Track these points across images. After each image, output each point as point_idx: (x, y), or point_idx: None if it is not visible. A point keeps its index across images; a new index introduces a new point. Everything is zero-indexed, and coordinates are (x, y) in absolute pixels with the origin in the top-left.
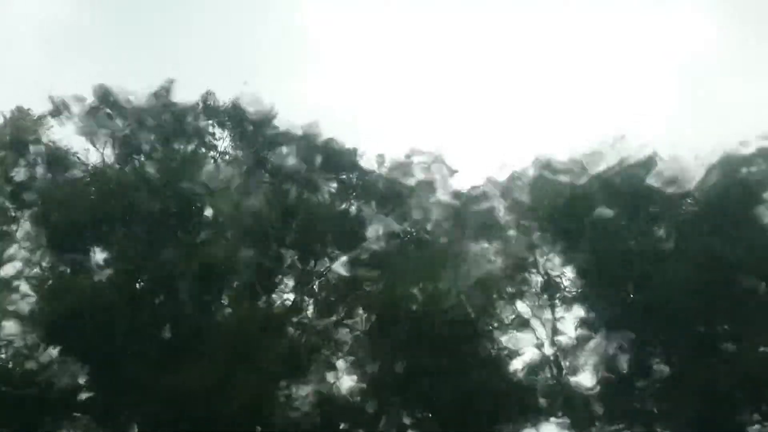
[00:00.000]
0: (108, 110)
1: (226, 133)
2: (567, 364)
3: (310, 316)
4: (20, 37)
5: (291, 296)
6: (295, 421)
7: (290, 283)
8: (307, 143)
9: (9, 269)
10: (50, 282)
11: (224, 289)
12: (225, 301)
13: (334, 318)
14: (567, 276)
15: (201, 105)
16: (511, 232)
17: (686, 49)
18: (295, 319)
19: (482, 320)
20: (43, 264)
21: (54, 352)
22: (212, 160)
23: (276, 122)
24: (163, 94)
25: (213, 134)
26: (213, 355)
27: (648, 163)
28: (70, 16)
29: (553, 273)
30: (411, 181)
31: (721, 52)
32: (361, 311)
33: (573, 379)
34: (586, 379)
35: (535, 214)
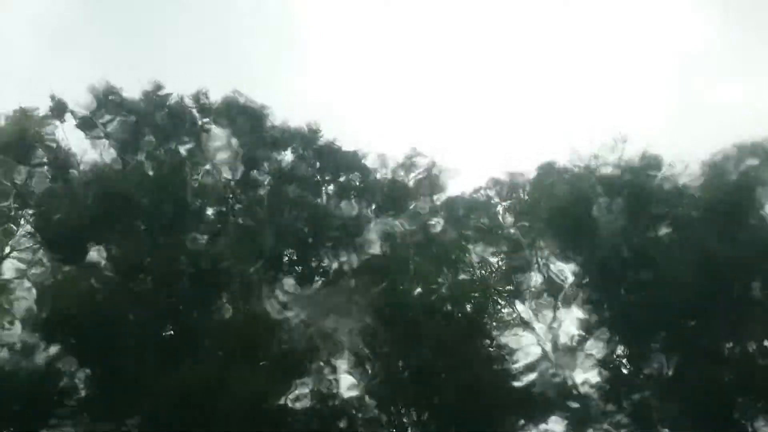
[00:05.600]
0: (106, 110)
1: (221, 131)
2: (567, 363)
3: (310, 315)
4: (13, 31)
5: (291, 296)
6: (294, 421)
7: (290, 283)
8: (308, 143)
9: (9, 269)
10: (50, 282)
11: (224, 288)
12: (225, 300)
13: (333, 318)
14: (567, 276)
15: (196, 103)
16: (512, 232)
17: (686, 49)
18: (294, 319)
19: (482, 320)
20: (43, 264)
21: (54, 351)
22: (210, 159)
23: (274, 121)
24: (158, 92)
25: (209, 132)
26: (213, 355)
27: (648, 164)
28: (62, 11)
29: (553, 273)
30: (412, 182)
31: (721, 53)
32: (361, 311)
33: (573, 379)
34: (586, 378)
35: (535, 214)
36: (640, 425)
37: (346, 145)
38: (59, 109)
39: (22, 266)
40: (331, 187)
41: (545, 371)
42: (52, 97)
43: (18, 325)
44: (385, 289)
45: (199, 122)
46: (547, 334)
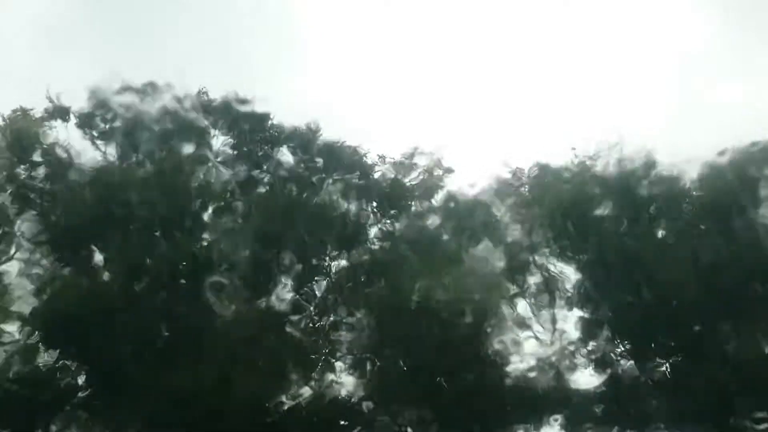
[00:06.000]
0: (106, 110)
1: (221, 131)
2: (567, 363)
3: (310, 316)
4: (13, 31)
5: (291, 296)
6: (294, 421)
7: (290, 283)
8: (307, 142)
9: (9, 269)
10: (50, 282)
11: (223, 289)
12: (224, 301)
13: (333, 318)
14: (567, 276)
15: (196, 103)
16: (511, 232)
17: (686, 49)
18: (295, 319)
19: (482, 320)
20: (43, 264)
21: (54, 352)
22: (210, 160)
23: (274, 121)
24: (158, 92)
25: (209, 133)
26: (212, 355)
27: (647, 164)
28: (62, 11)
29: (553, 273)
30: (411, 181)
31: (721, 53)
32: (361, 311)
33: (573, 379)
34: (585, 378)
35: (535, 214)
36: (640, 425)
37: (347, 145)
38: (59, 109)
39: (22, 266)
40: (331, 187)
41: (545, 372)
42: (51, 97)
43: (18, 326)
44: (385, 289)
45: (199, 122)
46: (547, 334)
